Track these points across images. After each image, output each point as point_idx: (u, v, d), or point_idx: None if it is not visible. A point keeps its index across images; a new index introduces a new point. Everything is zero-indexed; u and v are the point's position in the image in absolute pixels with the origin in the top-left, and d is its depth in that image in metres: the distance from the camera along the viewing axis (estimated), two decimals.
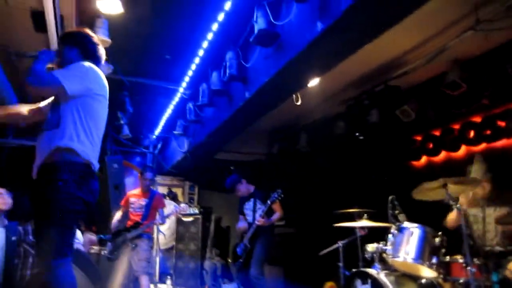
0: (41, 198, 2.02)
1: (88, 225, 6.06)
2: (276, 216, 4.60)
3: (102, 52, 2.42)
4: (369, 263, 3.55)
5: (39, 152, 2.10)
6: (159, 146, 8.12)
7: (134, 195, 4.92)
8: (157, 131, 7.47)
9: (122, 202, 5.01)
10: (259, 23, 3.31)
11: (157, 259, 7.35)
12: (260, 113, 4.79)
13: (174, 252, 7.49)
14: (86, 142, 2.12)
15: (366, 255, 3.55)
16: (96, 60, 2.35)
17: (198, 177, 8.29)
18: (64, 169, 2.02)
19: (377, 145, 5.25)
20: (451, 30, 3.50)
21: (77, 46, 2.32)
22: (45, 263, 1.96)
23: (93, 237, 6.01)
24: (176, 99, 5.89)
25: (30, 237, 3.46)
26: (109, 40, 3.61)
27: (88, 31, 2.42)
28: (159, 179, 8.11)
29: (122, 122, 6.03)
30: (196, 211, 7.51)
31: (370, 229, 3.95)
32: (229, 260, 7.60)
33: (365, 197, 4.34)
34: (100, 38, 3.53)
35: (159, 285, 7.18)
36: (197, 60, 4.67)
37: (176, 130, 6.23)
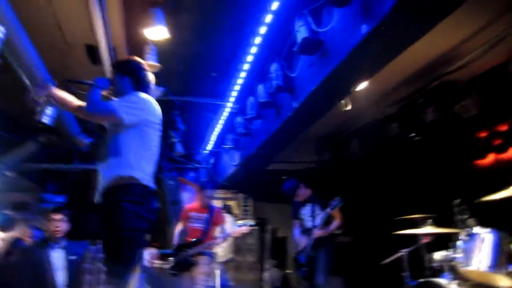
0: (109, 219, 2.13)
1: (150, 241, 6.29)
2: (335, 224, 4.50)
3: (150, 77, 2.54)
4: (437, 273, 3.34)
5: (102, 179, 2.22)
6: (211, 160, 8.28)
7: (194, 209, 5.04)
8: (209, 146, 7.63)
9: (182, 215, 5.16)
10: (301, 32, 3.28)
11: (217, 272, 7.45)
12: (309, 122, 4.73)
13: (232, 264, 7.55)
14: (146, 167, 2.25)
15: (433, 264, 3.35)
16: (146, 86, 2.47)
17: (251, 188, 8.33)
18: (126, 192, 2.15)
19: (436, 145, 4.97)
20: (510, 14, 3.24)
21: (128, 74, 2.45)
22: (117, 279, 2.09)
23: (155, 252, 6.22)
24: (225, 114, 5.99)
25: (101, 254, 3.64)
26: (158, 65, 3.75)
27: (137, 59, 2.54)
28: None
29: (174, 140, 6.22)
30: (252, 222, 7.54)
31: (434, 236, 3.71)
32: (288, 271, 7.52)
33: (427, 201, 4.11)
34: (150, 64, 3.70)
35: None
36: (242, 74, 4.73)
37: (227, 144, 6.33)
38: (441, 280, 3.16)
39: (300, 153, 6.31)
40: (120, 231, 2.11)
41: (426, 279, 3.37)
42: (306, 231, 4.69)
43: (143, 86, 2.45)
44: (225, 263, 7.87)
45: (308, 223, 4.68)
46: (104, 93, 2.44)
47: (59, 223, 3.39)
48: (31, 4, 3.09)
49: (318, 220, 4.51)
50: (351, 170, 6.41)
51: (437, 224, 3.63)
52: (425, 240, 3.77)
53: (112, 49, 3.55)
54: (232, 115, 5.86)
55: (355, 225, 6.30)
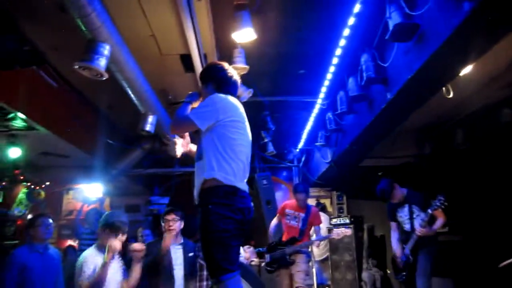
0: (201, 221, 2.22)
1: (247, 240, 6.49)
2: (439, 222, 4.13)
3: (234, 77, 2.52)
4: None
5: (195, 182, 2.33)
6: (303, 159, 8.24)
7: (291, 206, 5.06)
8: (300, 144, 7.60)
9: (279, 211, 5.21)
10: (394, 18, 3.07)
11: (314, 271, 7.40)
12: (406, 113, 4.41)
13: (330, 263, 7.43)
14: (228, 168, 2.25)
15: None
16: (230, 87, 2.47)
17: (345, 186, 8.10)
18: (211, 194, 2.21)
19: None
20: None
21: (210, 80, 2.49)
22: (214, 279, 2.16)
23: (252, 250, 6.39)
24: (315, 110, 5.90)
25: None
26: (247, 67, 3.82)
27: (216, 62, 2.58)
28: None
29: (266, 140, 6.32)
30: (347, 220, 7.33)
31: None
32: (388, 271, 7.16)
33: None
34: (239, 67, 3.80)
35: None
36: (332, 69, 4.61)
37: (318, 141, 6.23)
38: None
39: (397, 147, 5.93)
40: (209, 233, 2.17)
41: None
42: (405, 234, 4.38)
43: (227, 87, 2.46)
44: (321, 261, 7.79)
45: (407, 226, 4.37)
46: (195, 104, 2.54)
47: (172, 223, 3.60)
48: (129, 18, 3.34)
49: (418, 221, 4.19)
50: (456, 163, 5.87)
51: None
52: None
53: (204, 56, 3.70)
54: (322, 111, 5.76)
55: (464, 222, 5.74)
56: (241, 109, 2.46)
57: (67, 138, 5.01)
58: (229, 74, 2.50)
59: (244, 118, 2.45)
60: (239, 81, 2.55)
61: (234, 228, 2.18)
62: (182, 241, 3.73)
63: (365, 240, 7.38)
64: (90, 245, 3.38)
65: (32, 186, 6.70)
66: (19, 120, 4.36)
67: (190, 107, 2.48)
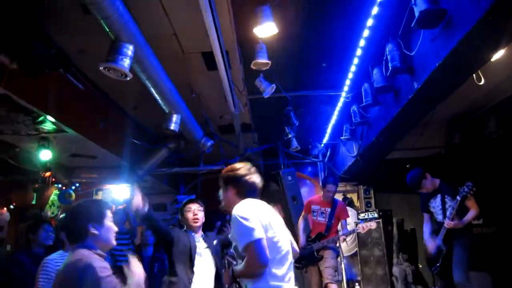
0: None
1: None
2: (470, 215, 3.99)
3: (256, 181, 2.39)
4: None
5: None
6: (328, 153, 8.15)
7: (316, 202, 5.01)
8: (325, 139, 7.52)
9: (304, 208, 5.17)
10: (419, 5, 2.97)
11: (343, 266, 7.31)
12: (434, 103, 4.27)
13: (359, 258, 7.33)
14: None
15: None
16: (252, 192, 2.35)
17: (372, 180, 7.96)
18: None
19: None
20: None
21: (230, 184, 2.37)
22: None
23: None
24: (340, 104, 5.82)
25: (231, 250, 3.71)
26: (269, 62, 3.79)
27: (235, 166, 2.44)
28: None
29: (290, 136, 6.27)
30: (375, 215, 7.20)
31: None
32: (420, 265, 6.99)
33: None
34: (261, 62, 3.77)
35: None
36: (355, 60, 4.52)
37: (343, 135, 6.14)
38: None
39: (425, 138, 5.77)
40: None
41: None
42: (438, 225, 4.25)
43: (249, 193, 2.34)
44: (350, 257, 7.69)
45: (439, 216, 4.24)
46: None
47: (198, 211, 3.41)
48: (150, 17, 3.37)
49: (450, 211, 4.06)
50: (489, 152, 5.66)
51: None
52: None
53: (225, 54, 3.70)
54: (347, 104, 5.67)
55: (499, 214, 5.53)
56: (267, 211, 2.29)
57: (95, 140, 5.12)
58: (250, 182, 2.37)
59: (273, 221, 2.28)
60: (259, 186, 2.41)
61: None
62: (202, 233, 3.51)
63: (394, 234, 7.24)
64: (118, 244, 3.42)
65: (63, 188, 6.90)
66: (48, 123, 4.47)
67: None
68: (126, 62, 2.90)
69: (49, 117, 4.28)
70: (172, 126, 4.43)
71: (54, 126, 4.61)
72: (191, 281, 3.10)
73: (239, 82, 4.70)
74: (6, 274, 3.41)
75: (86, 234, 1.94)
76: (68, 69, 4.16)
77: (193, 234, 3.37)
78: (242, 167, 2.42)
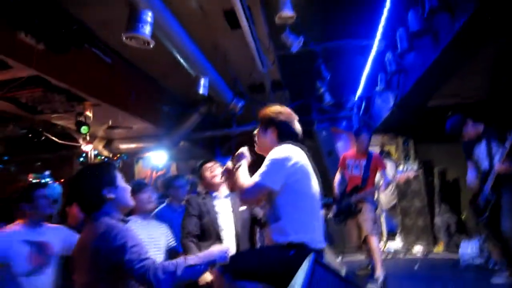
0: None
1: None
2: None
3: (297, 128, 2.31)
4: None
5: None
6: (363, 106, 7.89)
7: (351, 156, 4.93)
8: (359, 91, 7.26)
9: (340, 163, 5.10)
10: None
11: (382, 218, 7.27)
12: (478, 44, 3.94)
13: (398, 210, 7.24)
14: (302, 228, 2.07)
15: None
16: (293, 138, 2.26)
17: (411, 130, 7.68)
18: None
19: None
20: None
21: (271, 127, 2.28)
22: None
23: None
24: (373, 53, 5.53)
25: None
26: (294, 15, 3.61)
27: (278, 109, 2.32)
28: None
29: (322, 90, 6.09)
30: (415, 166, 7.02)
31: None
32: (463, 215, 6.82)
33: None
34: (285, 15, 3.59)
35: (388, 243, 7.11)
36: (387, 4, 4.21)
37: (379, 86, 5.89)
38: None
39: (468, 83, 5.41)
40: None
41: None
42: (483, 173, 4.04)
43: (290, 137, 2.25)
44: (390, 209, 7.62)
45: (484, 163, 4.02)
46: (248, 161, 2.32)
47: (214, 168, 3.17)
48: None
49: (497, 158, 3.83)
50: None
51: None
52: None
53: (247, 9, 3.53)
54: (380, 53, 5.38)
55: None
56: (305, 159, 2.22)
57: (128, 110, 5.20)
58: (292, 125, 2.30)
59: (308, 167, 2.23)
60: (300, 131, 2.33)
61: None
62: (229, 193, 3.18)
63: (436, 184, 7.05)
64: None
65: (107, 159, 7.15)
66: (81, 98, 4.57)
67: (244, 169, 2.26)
68: (147, 29, 2.84)
69: (81, 93, 4.35)
70: (201, 90, 4.39)
71: (87, 101, 4.71)
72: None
73: (264, 38, 4.54)
74: None
75: (102, 201, 1.79)
76: (93, 43, 4.17)
77: (213, 194, 3.14)
78: (286, 110, 2.35)
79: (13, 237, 2.27)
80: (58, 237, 2.44)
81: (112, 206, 1.81)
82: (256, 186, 2.07)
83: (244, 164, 2.27)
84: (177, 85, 5.97)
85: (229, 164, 2.39)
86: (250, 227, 3.08)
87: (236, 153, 2.34)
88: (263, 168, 2.10)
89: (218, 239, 2.84)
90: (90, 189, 1.81)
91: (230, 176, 2.36)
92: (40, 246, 2.26)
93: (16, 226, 2.37)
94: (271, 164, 2.08)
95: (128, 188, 1.92)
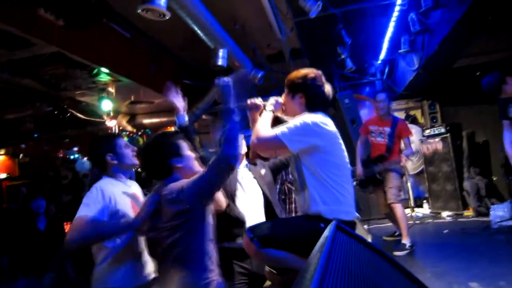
0: None
1: None
2: None
3: (327, 93, 2.22)
4: None
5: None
6: (386, 70, 7.66)
7: (373, 122, 4.78)
8: (381, 55, 7.02)
9: (361, 130, 4.96)
10: None
11: (409, 185, 7.18)
12: None
13: (425, 175, 7.12)
14: (332, 198, 2.03)
15: None
16: (324, 106, 2.20)
17: (437, 93, 7.42)
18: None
19: None
20: None
21: (299, 93, 2.21)
22: None
23: None
24: (395, 13, 5.29)
25: (290, 176, 3.72)
26: None
27: (311, 74, 2.21)
28: (393, 104, 7.69)
29: (343, 56, 5.93)
30: (442, 130, 6.83)
31: None
32: (494, 178, 6.64)
33: None
34: None
35: (416, 209, 7.05)
36: None
37: (402, 48, 5.67)
38: None
39: (498, 40, 5.15)
40: None
41: None
42: None
43: (319, 105, 2.19)
44: (417, 175, 7.50)
45: None
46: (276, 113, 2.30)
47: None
48: None
49: None
50: None
51: None
52: None
53: None
54: (403, 13, 5.14)
55: None
56: (333, 128, 2.15)
57: (148, 85, 5.23)
58: (323, 93, 2.20)
59: (337, 136, 2.18)
60: (330, 97, 2.24)
61: None
62: (247, 163, 2.92)
63: (464, 148, 6.86)
64: None
65: (131, 134, 7.30)
66: (103, 74, 4.62)
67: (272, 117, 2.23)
68: (162, 1, 2.81)
69: (102, 68, 4.40)
70: (220, 61, 4.35)
71: (108, 77, 4.77)
72: None
73: (282, 4, 4.42)
74: None
75: (170, 170, 1.93)
76: (112, 18, 4.17)
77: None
78: (316, 73, 2.23)
79: (115, 188, 2.18)
80: (139, 190, 2.41)
81: (180, 173, 1.95)
82: (274, 139, 2.05)
83: (270, 114, 2.25)
84: (197, 58, 5.95)
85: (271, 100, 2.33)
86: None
87: (276, 98, 2.31)
88: (289, 124, 2.08)
89: (232, 200, 2.64)
90: (158, 160, 1.94)
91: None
92: (134, 198, 2.24)
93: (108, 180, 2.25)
94: (298, 125, 2.05)
95: (193, 156, 2.02)
